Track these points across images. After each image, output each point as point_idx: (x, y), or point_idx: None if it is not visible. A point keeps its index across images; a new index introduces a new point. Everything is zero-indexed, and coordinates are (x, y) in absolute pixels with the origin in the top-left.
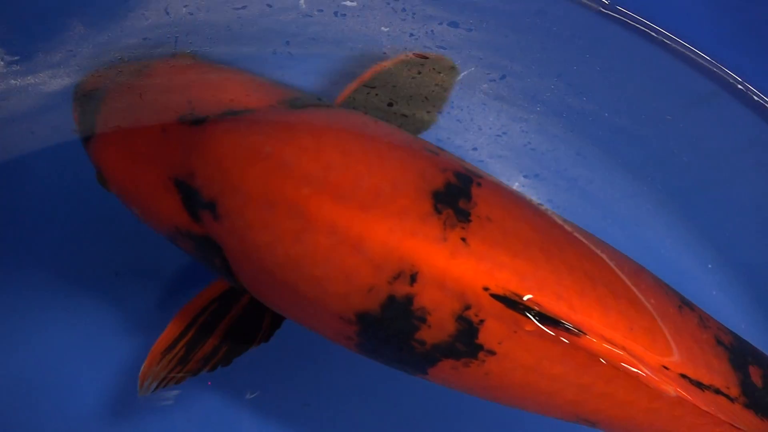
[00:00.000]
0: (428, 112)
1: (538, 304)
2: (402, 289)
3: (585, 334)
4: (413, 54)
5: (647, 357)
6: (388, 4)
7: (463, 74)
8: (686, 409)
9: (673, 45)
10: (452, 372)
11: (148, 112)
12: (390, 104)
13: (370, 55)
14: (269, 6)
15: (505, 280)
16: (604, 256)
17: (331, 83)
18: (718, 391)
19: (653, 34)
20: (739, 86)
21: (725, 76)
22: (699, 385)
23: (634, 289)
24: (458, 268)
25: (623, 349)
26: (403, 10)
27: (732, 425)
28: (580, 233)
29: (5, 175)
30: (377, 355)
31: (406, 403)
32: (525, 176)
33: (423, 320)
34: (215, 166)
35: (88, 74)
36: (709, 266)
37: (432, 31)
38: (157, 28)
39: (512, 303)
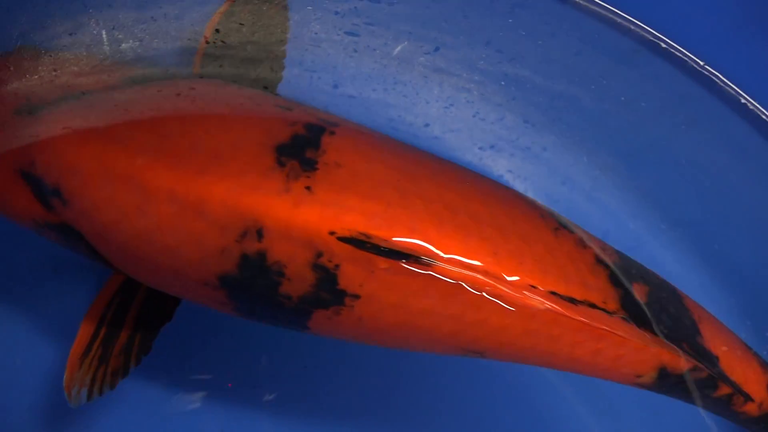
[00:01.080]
0: (272, 69)
1: (387, 241)
2: (252, 246)
3: (439, 263)
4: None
5: (513, 279)
6: None
7: (397, 50)
8: (564, 328)
9: (591, 5)
10: (329, 323)
11: None
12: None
13: (301, 37)
14: None
15: (352, 222)
16: (471, 186)
17: None
18: (593, 306)
19: None
20: (662, 44)
21: (645, 33)
22: (571, 300)
23: (504, 216)
24: (302, 216)
25: (485, 273)
26: None
27: (614, 333)
28: (451, 167)
29: None
30: (258, 317)
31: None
32: (480, 148)
33: (281, 274)
34: (51, 150)
35: None
36: (662, 227)
37: (356, 8)
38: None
39: (360, 243)
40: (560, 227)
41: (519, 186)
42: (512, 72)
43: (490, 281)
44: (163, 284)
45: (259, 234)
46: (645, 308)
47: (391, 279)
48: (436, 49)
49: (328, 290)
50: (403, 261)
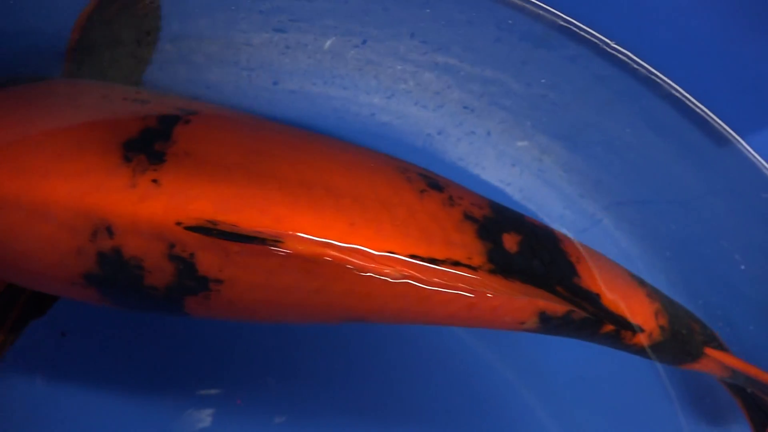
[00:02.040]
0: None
1: (235, 225)
2: (105, 244)
3: (290, 241)
4: None
5: (371, 246)
6: None
7: (327, 44)
8: (433, 290)
9: None
10: (203, 307)
11: None
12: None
13: (232, 37)
14: None
15: (198, 211)
16: (333, 159)
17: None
18: (456, 263)
19: None
20: (572, 27)
21: (554, 18)
22: (432, 260)
23: (364, 185)
24: (147, 210)
25: (340, 244)
26: None
27: (484, 292)
28: (318, 142)
29: None
30: (138, 309)
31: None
32: (428, 135)
33: (141, 268)
34: None
35: None
36: (608, 205)
37: (278, 6)
38: None
39: (207, 230)
40: (428, 188)
41: (473, 171)
42: (442, 61)
43: (344, 253)
44: (36, 286)
45: (110, 232)
46: (514, 258)
47: (248, 261)
48: (364, 41)
49: (191, 278)
50: (254, 243)
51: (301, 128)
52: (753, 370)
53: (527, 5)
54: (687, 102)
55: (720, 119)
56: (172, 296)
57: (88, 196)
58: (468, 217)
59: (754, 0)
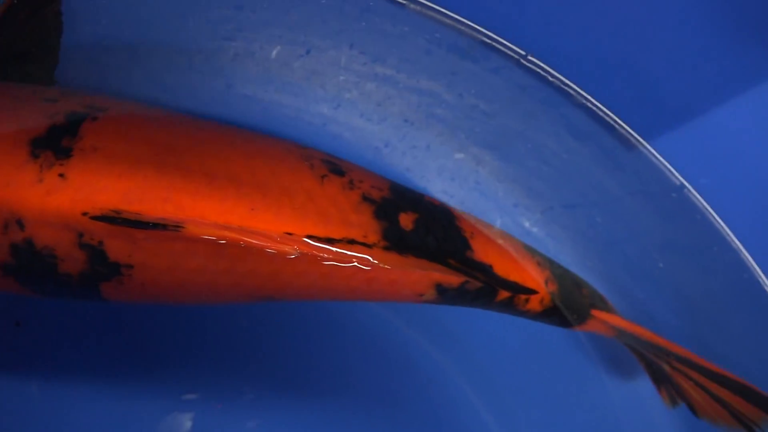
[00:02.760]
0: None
1: (139, 214)
2: (18, 236)
3: (192, 226)
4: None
5: (269, 229)
6: None
7: (273, 53)
8: (333, 268)
9: (424, 9)
10: (119, 292)
11: None
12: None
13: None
14: None
15: (104, 201)
16: (237, 151)
17: None
18: (352, 242)
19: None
20: (493, 42)
21: (474, 33)
22: (329, 240)
23: (266, 173)
24: (55, 203)
25: (241, 228)
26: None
27: (380, 266)
28: (223, 134)
29: None
30: (58, 296)
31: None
32: (377, 147)
33: (54, 257)
34: None
35: None
36: (540, 212)
37: (225, 16)
38: None
39: (112, 219)
40: (329, 173)
41: (419, 183)
42: (381, 72)
43: (242, 235)
44: None
45: (20, 224)
46: (409, 234)
47: (154, 246)
48: (308, 51)
49: (102, 264)
50: (157, 229)
51: (211, 121)
52: (635, 329)
53: (449, 20)
54: (597, 110)
55: (626, 124)
56: (87, 282)
57: None
58: (366, 198)
59: (649, 17)
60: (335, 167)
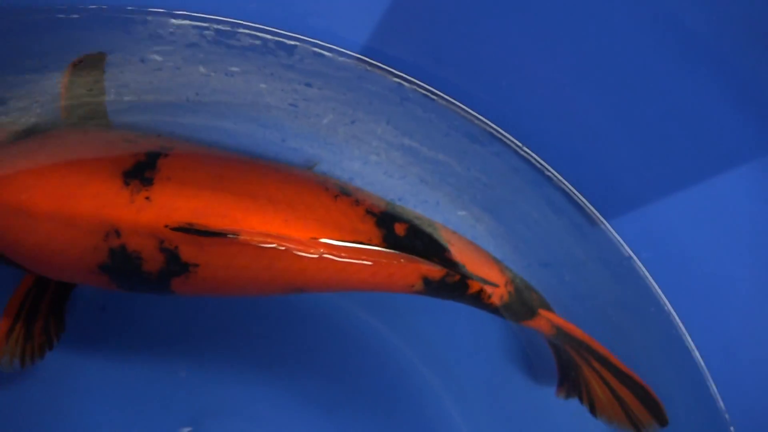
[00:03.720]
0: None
1: (205, 225)
2: (115, 242)
3: (244, 234)
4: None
5: (299, 235)
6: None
7: (325, 120)
8: (347, 264)
9: (450, 105)
10: (185, 285)
11: None
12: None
13: (257, 103)
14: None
15: (180, 217)
16: (272, 178)
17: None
18: (361, 243)
19: (434, 97)
20: (496, 133)
21: (484, 125)
22: (345, 244)
23: (293, 194)
24: (144, 218)
25: (279, 234)
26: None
27: (382, 261)
28: (261, 167)
29: None
30: (137, 290)
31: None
32: (392, 198)
33: (140, 258)
34: None
35: None
36: (522, 269)
37: (296, 89)
38: None
39: (186, 230)
40: (340, 194)
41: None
42: (407, 143)
43: (282, 240)
44: (63, 276)
45: (117, 233)
46: (403, 239)
47: (215, 250)
48: (353, 122)
49: (176, 263)
50: (220, 237)
51: (251, 157)
52: (569, 326)
53: (466, 113)
54: (570, 192)
55: (591, 205)
56: (162, 278)
57: (101, 209)
58: (369, 212)
59: (612, 127)
60: (344, 189)
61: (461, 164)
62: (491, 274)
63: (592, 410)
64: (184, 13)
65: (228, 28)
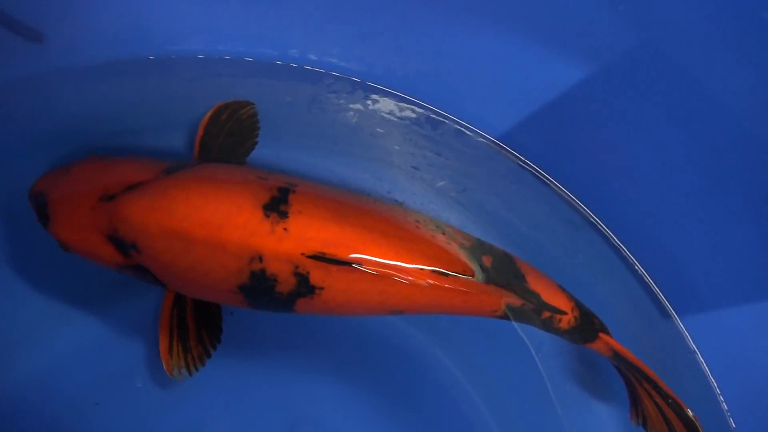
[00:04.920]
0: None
1: (334, 255)
2: (257, 266)
3: (365, 263)
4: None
5: (409, 265)
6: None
7: (440, 184)
8: (447, 290)
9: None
10: (307, 305)
11: (79, 198)
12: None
13: (379, 158)
14: None
15: (313, 247)
16: (383, 215)
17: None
18: (458, 273)
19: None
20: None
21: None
22: (446, 273)
23: (400, 230)
24: (284, 246)
25: (392, 264)
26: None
27: (476, 292)
28: (371, 204)
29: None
30: (264, 308)
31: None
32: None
33: (276, 281)
34: (127, 221)
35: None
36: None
37: (425, 155)
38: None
39: (320, 258)
40: (436, 229)
41: None
42: (504, 215)
43: (395, 269)
44: (204, 296)
45: (260, 259)
46: (489, 270)
47: (340, 275)
48: (464, 190)
49: (305, 286)
50: (345, 264)
51: (364, 194)
52: (625, 351)
53: (571, 200)
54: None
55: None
56: (290, 299)
57: (248, 238)
58: (462, 246)
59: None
60: (439, 226)
61: (553, 244)
62: (560, 302)
63: (644, 426)
64: (358, 80)
65: (394, 102)
